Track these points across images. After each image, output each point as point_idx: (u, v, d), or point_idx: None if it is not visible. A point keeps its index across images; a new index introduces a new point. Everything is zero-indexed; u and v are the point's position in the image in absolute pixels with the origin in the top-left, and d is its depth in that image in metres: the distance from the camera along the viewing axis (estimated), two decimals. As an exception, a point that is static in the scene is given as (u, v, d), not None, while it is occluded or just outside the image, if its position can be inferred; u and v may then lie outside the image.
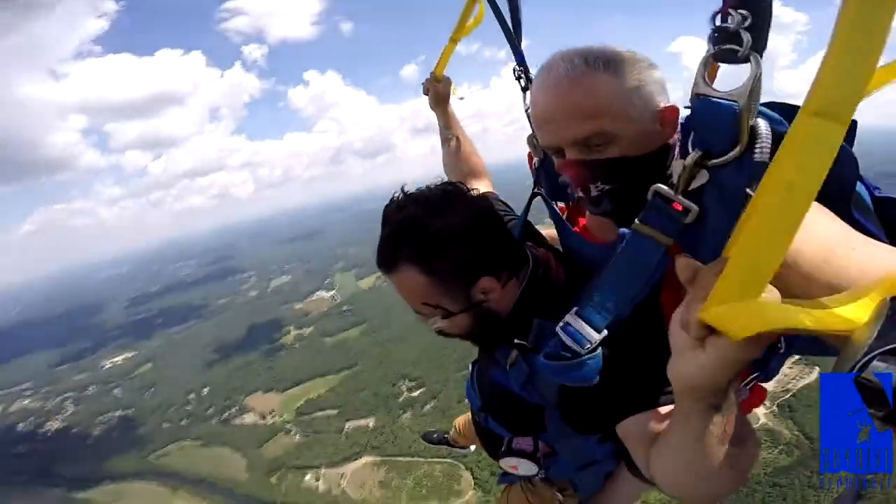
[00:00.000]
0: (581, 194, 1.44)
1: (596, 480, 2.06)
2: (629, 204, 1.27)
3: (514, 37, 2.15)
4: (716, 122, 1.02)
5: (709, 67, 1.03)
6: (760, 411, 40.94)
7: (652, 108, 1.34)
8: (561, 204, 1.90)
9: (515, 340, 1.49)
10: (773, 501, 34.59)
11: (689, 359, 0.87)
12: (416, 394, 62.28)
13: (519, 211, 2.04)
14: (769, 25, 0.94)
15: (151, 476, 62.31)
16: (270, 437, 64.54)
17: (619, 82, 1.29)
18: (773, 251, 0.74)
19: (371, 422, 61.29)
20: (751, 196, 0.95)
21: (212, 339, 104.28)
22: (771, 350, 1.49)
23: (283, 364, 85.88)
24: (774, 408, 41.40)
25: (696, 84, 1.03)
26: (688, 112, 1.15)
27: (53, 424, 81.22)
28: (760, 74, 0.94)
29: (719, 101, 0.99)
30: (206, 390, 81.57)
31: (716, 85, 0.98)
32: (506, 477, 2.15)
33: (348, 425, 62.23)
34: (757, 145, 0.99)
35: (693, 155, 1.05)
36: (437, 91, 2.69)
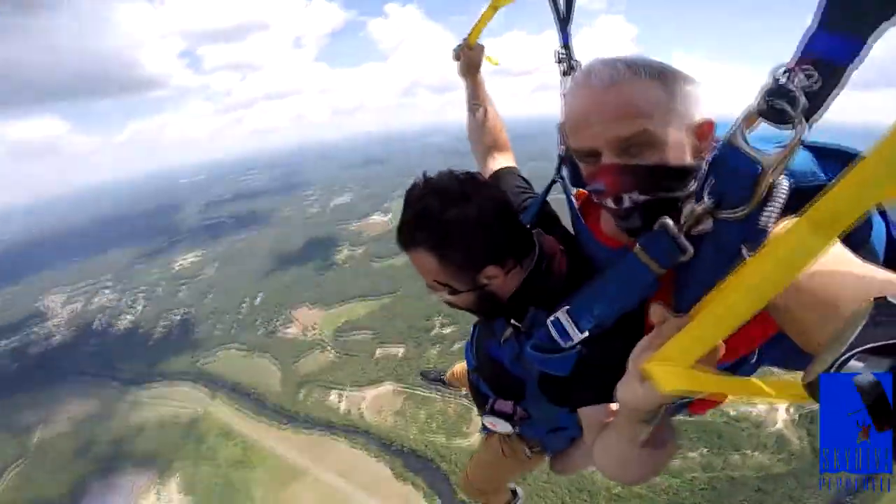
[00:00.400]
0: (612, 204, 1.39)
1: (562, 442, 2.43)
2: (654, 221, 1.32)
3: (563, 14, 2.11)
4: (735, 178, 1.07)
5: (749, 119, 1.04)
6: (780, 416, 40.11)
7: (690, 120, 1.32)
8: (580, 190, 1.84)
9: (512, 321, 1.73)
10: (750, 504, 35.86)
11: (631, 386, 1.06)
12: (447, 331, 61.57)
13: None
14: (834, 98, 0.96)
15: (196, 379, 65.75)
16: (307, 352, 66.21)
17: (662, 89, 1.27)
18: (714, 336, 0.86)
19: (401, 350, 61.67)
20: (743, 256, 1.05)
21: (272, 249, 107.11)
22: (741, 361, 1.52)
23: (331, 281, 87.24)
24: (796, 416, 39.62)
25: (732, 133, 1.06)
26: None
27: (123, 322, 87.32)
28: (800, 143, 0.97)
29: (746, 157, 1.04)
30: (258, 299, 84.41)
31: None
32: (486, 430, 2.42)
33: (379, 351, 62.86)
34: (766, 209, 1.04)
35: (705, 204, 1.12)
36: (470, 58, 2.58)
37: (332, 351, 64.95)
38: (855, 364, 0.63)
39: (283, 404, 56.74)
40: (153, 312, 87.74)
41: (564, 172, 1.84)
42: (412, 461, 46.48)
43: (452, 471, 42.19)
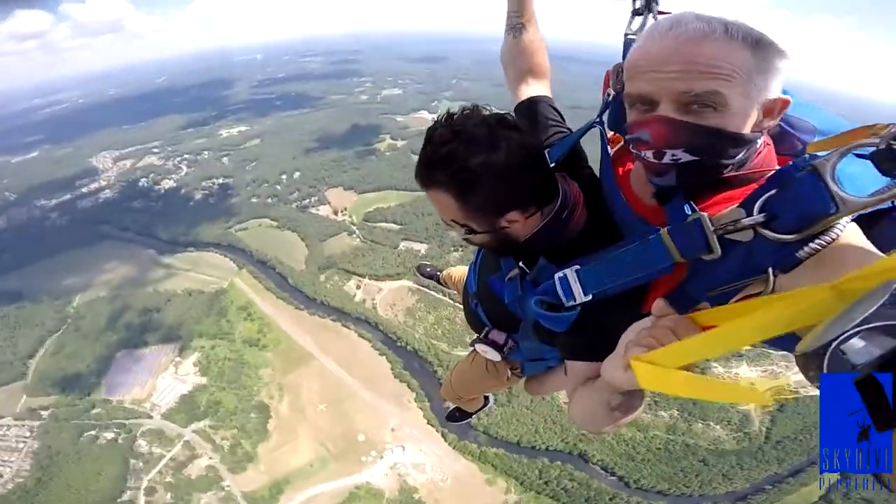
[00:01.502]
0: (651, 158, 1.30)
1: (540, 369, 2.53)
2: (690, 188, 1.31)
3: None
4: (802, 206, 1.00)
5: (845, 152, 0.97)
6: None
7: (766, 95, 1.21)
8: (616, 134, 1.75)
9: (520, 264, 1.67)
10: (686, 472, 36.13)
11: (615, 367, 1.09)
12: (471, 236, 57.20)
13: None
14: None
15: (226, 248, 64.97)
16: (335, 234, 64.65)
17: (751, 57, 1.16)
18: (706, 354, 0.84)
19: (423, 248, 59.59)
20: (767, 275, 1.08)
21: (316, 130, 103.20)
22: None
23: (368, 167, 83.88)
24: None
25: (824, 163, 0.97)
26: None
27: (167, 183, 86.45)
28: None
29: (827, 193, 0.96)
30: (297, 174, 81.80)
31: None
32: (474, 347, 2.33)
33: (403, 244, 60.72)
34: (812, 243, 1.01)
35: (755, 219, 1.06)
36: None
37: (359, 237, 62.64)
38: (856, 342, 0.60)
39: (304, 285, 55.60)
40: (195, 176, 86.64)
41: (605, 117, 1.72)
42: (412, 361, 45.27)
43: None
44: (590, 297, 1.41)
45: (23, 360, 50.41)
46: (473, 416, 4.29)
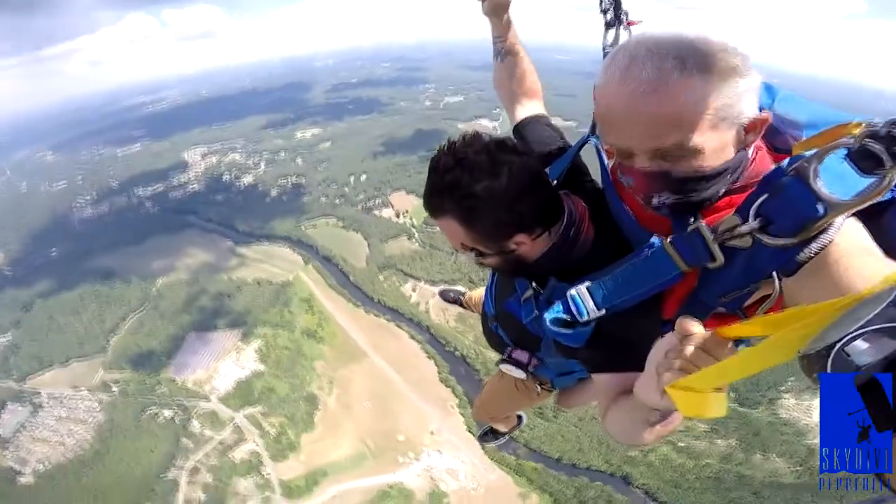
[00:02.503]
0: (642, 200, 1.34)
1: (570, 382, 2.48)
2: (685, 214, 1.29)
3: None
4: (792, 210, 1.00)
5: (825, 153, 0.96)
6: None
7: (741, 120, 1.15)
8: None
9: (533, 284, 1.66)
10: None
11: (649, 391, 1.02)
12: (528, 247, 55.81)
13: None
14: None
15: (295, 243, 66.85)
16: (395, 236, 64.79)
17: (713, 90, 1.07)
18: (741, 375, 0.78)
19: None
20: (772, 279, 1.08)
21: (384, 134, 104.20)
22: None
23: None
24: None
25: (807, 166, 0.98)
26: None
27: (247, 179, 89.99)
28: (881, 196, 0.89)
29: (814, 195, 0.96)
30: (364, 177, 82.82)
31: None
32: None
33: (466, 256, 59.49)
34: (810, 245, 1.01)
35: (750, 225, 1.06)
36: None
37: (418, 241, 62.42)
38: (859, 344, 0.60)
39: (363, 283, 56.14)
40: (272, 174, 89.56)
41: (599, 131, 1.65)
42: (459, 367, 44.42)
43: None
44: (603, 311, 1.36)
45: (106, 334, 53.56)
46: (507, 436, 4.09)
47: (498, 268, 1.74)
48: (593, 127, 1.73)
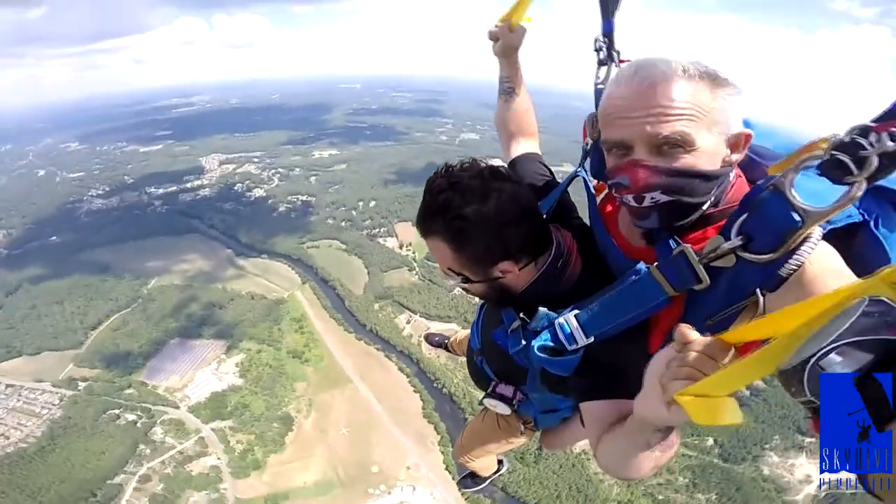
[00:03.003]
0: (632, 202, 1.32)
1: (554, 421, 2.41)
2: (671, 227, 1.31)
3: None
4: (771, 225, 1.04)
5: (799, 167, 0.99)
6: (809, 489, 34.14)
7: (728, 130, 1.24)
8: (601, 183, 1.76)
9: (521, 315, 1.61)
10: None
11: (653, 405, 0.96)
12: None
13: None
14: None
15: (295, 262, 65.36)
16: (396, 267, 63.26)
17: (709, 95, 1.19)
18: (754, 377, 0.76)
19: (477, 297, 56.29)
20: (756, 296, 1.09)
21: (396, 163, 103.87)
22: None
23: None
24: (822, 494, 33.87)
25: (782, 180, 1.02)
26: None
27: (258, 192, 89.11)
28: (853, 202, 0.91)
29: (790, 208, 1.00)
30: (372, 203, 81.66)
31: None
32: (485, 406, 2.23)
33: (458, 289, 57.56)
34: (792, 259, 1.04)
35: (732, 243, 1.09)
36: (510, 40, 2.20)
37: (418, 274, 60.66)
38: (833, 358, 0.61)
39: (358, 310, 54.18)
40: (284, 190, 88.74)
41: (587, 165, 1.76)
42: (445, 404, 42.15)
43: None
44: (591, 339, 1.37)
45: (86, 329, 51.58)
46: (487, 482, 3.85)
47: (484, 296, 1.71)
48: (583, 159, 1.76)
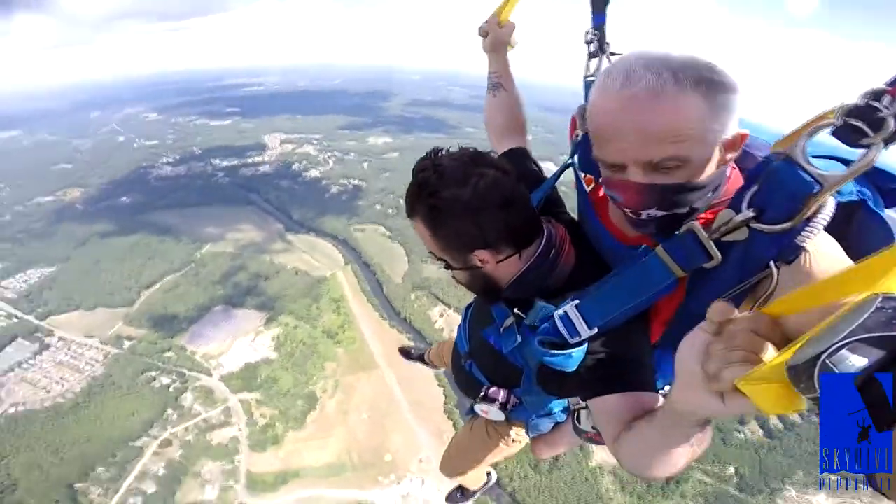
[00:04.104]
0: (630, 214, 1.27)
1: (546, 427, 2.28)
2: (670, 232, 1.22)
3: None
4: (786, 195, 0.98)
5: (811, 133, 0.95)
6: None
7: (726, 134, 1.15)
8: (589, 175, 1.69)
9: (515, 310, 1.53)
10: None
11: (701, 398, 0.83)
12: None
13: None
14: None
15: (341, 242, 65.74)
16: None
17: (705, 105, 1.08)
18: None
19: None
20: (770, 269, 1.02)
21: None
22: None
23: None
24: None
25: (794, 148, 0.96)
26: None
27: (313, 172, 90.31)
28: (870, 166, 0.88)
29: (805, 175, 0.94)
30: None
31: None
32: (473, 412, 2.12)
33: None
34: (808, 227, 0.98)
35: (745, 214, 1.02)
36: (498, 35, 2.19)
37: (456, 268, 60.05)
38: (845, 354, 0.59)
39: (395, 297, 53.72)
40: (338, 172, 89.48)
41: (577, 157, 1.68)
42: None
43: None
44: (595, 329, 1.26)
45: (140, 289, 53.37)
46: (476, 495, 3.71)
47: (469, 285, 1.60)
48: (572, 154, 1.69)
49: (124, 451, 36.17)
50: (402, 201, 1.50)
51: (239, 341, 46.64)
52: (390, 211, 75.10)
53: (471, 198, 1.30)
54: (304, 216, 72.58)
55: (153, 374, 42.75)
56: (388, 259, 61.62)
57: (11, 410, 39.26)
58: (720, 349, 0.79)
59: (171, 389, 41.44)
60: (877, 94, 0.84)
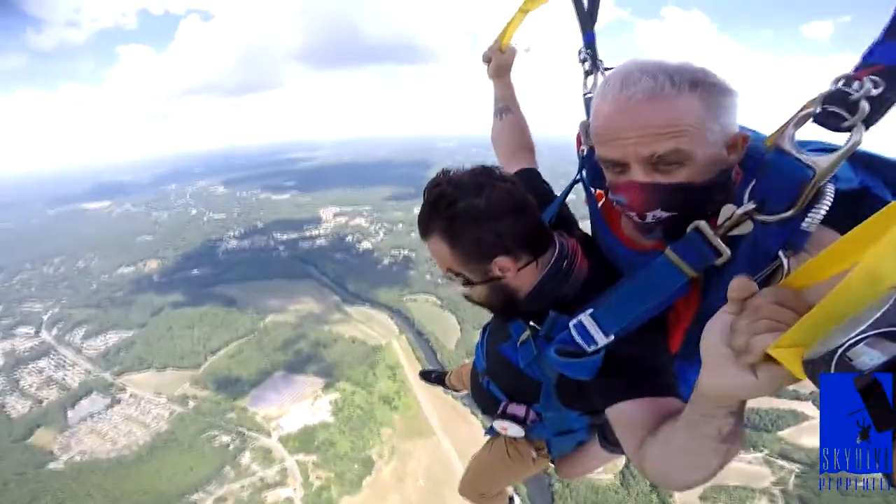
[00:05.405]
0: (635, 218, 1.27)
1: (569, 446, 2.22)
2: (677, 235, 1.20)
3: (586, 12, 1.95)
4: (783, 183, 0.98)
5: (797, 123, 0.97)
6: None
7: (726, 135, 1.17)
8: (599, 191, 1.68)
9: (530, 323, 1.52)
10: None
11: (733, 376, 0.80)
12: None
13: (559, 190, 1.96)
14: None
15: (395, 312, 67.98)
16: None
17: (702, 105, 1.11)
18: (854, 305, 0.63)
19: None
20: (780, 259, 1.00)
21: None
22: None
23: None
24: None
25: (782, 137, 0.99)
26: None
27: (365, 244, 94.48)
28: (857, 147, 0.89)
29: (797, 162, 0.96)
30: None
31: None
32: (492, 431, 2.09)
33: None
34: (811, 213, 0.96)
35: (746, 207, 1.02)
36: (501, 61, 2.31)
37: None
38: (862, 348, 0.58)
39: (449, 364, 52.44)
40: (388, 243, 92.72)
41: (585, 172, 1.69)
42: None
43: (562, 502, 36.24)
44: (611, 337, 1.24)
45: (206, 353, 56.72)
46: None
47: (487, 301, 1.56)
48: (580, 169, 1.71)
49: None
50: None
51: (298, 405, 48.27)
52: (440, 280, 76.17)
53: (487, 205, 1.35)
54: (358, 288, 75.58)
55: (214, 432, 44.56)
56: (440, 327, 62.81)
57: (77, 458, 41.56)
58: (746, 323, 0.77)
59: (230, 448, 42.94)
60: (847, 80, 0.89)
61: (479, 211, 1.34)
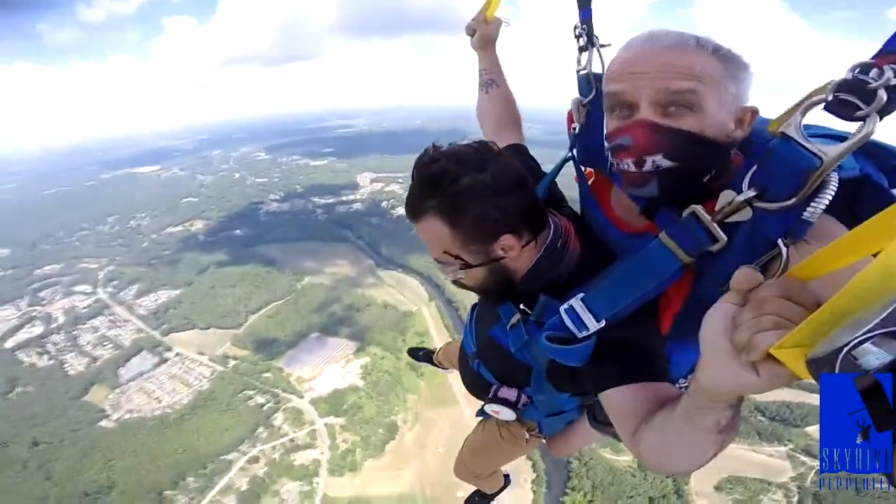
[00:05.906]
0: (631, 166, 1.21)
1: (560, 425, 2.25)
2: (671, 197, 1.20)
3: None
4: (787, 171, 0.94)
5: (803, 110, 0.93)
6: None
7: (738, 105, 1.17)
8: (589, 169, 1.70)
9: (521, 306, 1.48)
10: None
11: (734, 373, 0.76)
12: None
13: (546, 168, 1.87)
14: None
15: (426, 279, 68.23)
16: None
17: (720, 66, 1.12)
18: (855, 309, 0.62)
19: None
20: (779, 248, 0.95)
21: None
22: None
23: None
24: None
25: (788, 125, 0.94)
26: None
27: (400, 210, 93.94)
28: (868, 138, 0.85)
29: (804, 150, 0.91)
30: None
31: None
32: (483, 413, 2.09)
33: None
34: (813, 203, 0.93)
35: (746, 194, 0.99)
36: (486, 32, 2.21)
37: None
38: (868, 347, 0.56)
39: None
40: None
41: (576, 151, 1.69)
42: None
43: (578, 480, 36.25)
44: (602, 322, 1.21)
45: (247, 313, 59.08)
46: (493, 499, 3.65)
47: (482, 285, 1.49)
48: (571, 147, 1.70)
49: (215, 463, 39.49)
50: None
51: (330, 367, 49.92)
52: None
53: (492, 180, 1.28)
54: (392, 253, 76.51)
55: (251, 392, 46.60)
56: (470, 296, 61.95)
57: (126, 416, 44.20)
58: (749, 318, 0.74)
59: (264, 408, 44.88)
60: (865, 68, 0.84)
61: (485, 186, 1.28)
